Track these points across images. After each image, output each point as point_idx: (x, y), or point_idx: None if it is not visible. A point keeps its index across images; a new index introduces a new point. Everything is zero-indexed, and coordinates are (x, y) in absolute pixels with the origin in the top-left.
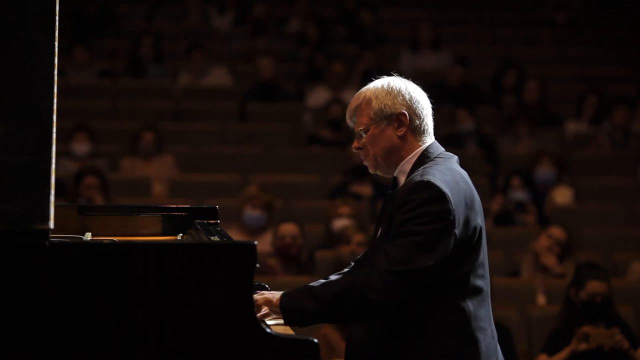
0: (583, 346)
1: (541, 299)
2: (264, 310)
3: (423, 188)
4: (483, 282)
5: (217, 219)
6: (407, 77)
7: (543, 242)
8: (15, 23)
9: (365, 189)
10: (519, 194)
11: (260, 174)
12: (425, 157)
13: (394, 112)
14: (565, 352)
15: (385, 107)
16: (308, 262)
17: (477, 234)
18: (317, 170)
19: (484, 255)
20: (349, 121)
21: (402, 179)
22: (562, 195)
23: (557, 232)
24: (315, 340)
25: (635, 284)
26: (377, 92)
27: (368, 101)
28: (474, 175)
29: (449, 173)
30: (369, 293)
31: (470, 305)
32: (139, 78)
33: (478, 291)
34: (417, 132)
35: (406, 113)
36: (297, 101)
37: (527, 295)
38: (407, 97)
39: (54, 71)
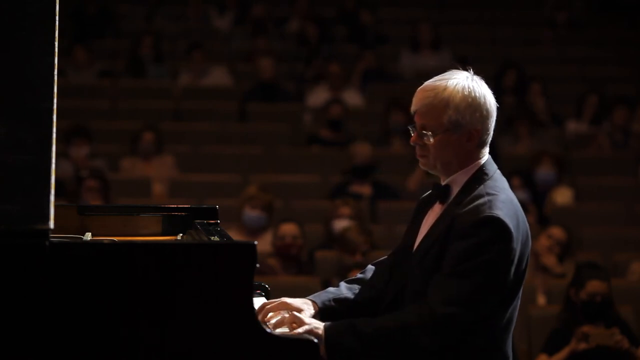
0: (583, 346)
1: (541, 299)
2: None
3: (491, 224)
4: (515, 313)
5: (217, 219)
6: (407, 77)
7: (543, 242)
8: (15, 23)
9: (365, 189)
10: (519, 194)
11: (260, 174)
12: (483, 174)
13: (469, 127)
14: (565, 352)
15: (462, 120)
16: (308, 262)
17: (525, 270)
18: (317, 170)
19: (521, 286)
20: (412, 109)
21: (455, 190)
22: (562, 196)
23: (557, 232)
24: (315, 340)
25: (635, 284)
26: (456, 101)
27: (445, 105)
28: None
29: (511, 206)
30: (422, 336)
31: (499, 337)
32: (139, 78)
33: (509, 323)
34: (482, 145)
35: (480, 130)
36: (297, 101)
37: (527, 295)
38: (485, 112)
39: (54, 71)
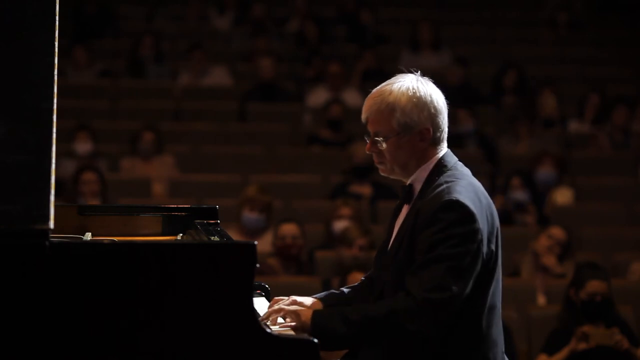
0: (582, 346)
1: (541, 299)
2: (285, 321)
3: (452, 208)
4: (497, 298)
5: (217, 219)
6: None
7: (543, 242)
8: (15, 23)
9: (365, 189)
10: (519, 194)
11: (260, 174)
12: (442, 166)
13: (419, 127)
14: (565, 352)
15: (410, 121)
16: (308, 262)
17: (497, 250)
18: (317, 170)
19: (499, 270)
20: (363, 118)
21: (417, 187)
22: (563, 196)
23: (557, 232)
24: (315, 340)
25: (635, 284)
26: (402, 103)
27: (391, 110)
28: (474, 176)
29: (472, 189)
30: (406, 322)
31: (484, 322)
32: (139, 78)
33: (492, 308)
34: (436, 142)
35: (430, 128)
36: (297, 101)
37: (527, 295)
38: (432, 110)
39: (54, 71)
